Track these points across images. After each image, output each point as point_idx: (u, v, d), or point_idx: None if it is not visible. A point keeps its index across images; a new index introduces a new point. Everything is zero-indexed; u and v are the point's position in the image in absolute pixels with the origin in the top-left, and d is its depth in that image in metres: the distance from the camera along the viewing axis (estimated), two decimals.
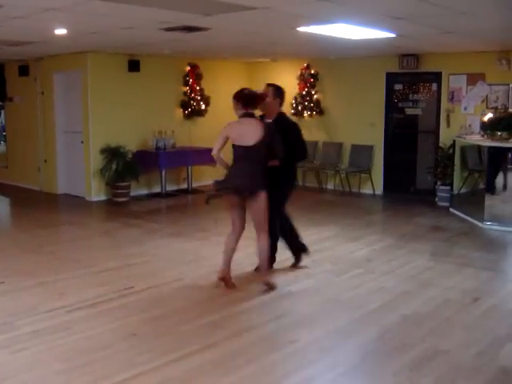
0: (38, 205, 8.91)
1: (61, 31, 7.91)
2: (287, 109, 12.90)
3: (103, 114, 11.30)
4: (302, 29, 7.69)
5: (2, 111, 14.59)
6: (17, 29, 7.63)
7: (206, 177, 12.90)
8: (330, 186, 12.56)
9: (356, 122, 12.22)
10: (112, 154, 11.07)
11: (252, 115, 6.05)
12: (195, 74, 12.84)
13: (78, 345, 4.67)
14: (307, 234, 8.28)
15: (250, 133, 5.88)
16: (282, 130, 6.05)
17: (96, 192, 11.33)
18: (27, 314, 5.32)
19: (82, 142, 11.32)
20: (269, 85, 6.62)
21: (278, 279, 6.31)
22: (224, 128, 6.21)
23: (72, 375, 4.15)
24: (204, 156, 12.13)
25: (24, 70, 12.48)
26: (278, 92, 6.52)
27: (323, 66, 12.51)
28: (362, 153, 12.03)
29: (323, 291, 6.04)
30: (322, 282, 6.34)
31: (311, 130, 12.74)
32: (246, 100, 6.14)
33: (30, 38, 8.69)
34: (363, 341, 4.78)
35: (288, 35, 8.40)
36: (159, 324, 5.14)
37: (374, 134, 11.99)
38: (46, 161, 12.20)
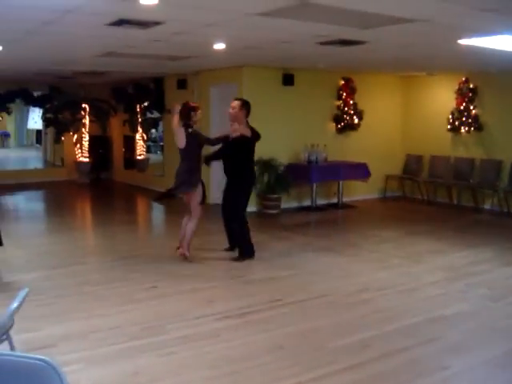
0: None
1: (219, 46, 8.13)
2: (443, 123, 12.51)
3: (257, 127, 11.39)
4: (463, 41, 7.38)
5: (161, 123, 15.25)
6: (177, 44, 7.93)
7: (358, 192, 12.80)
8: (487, 206, 11.92)
9: None
10: (264, 166, 11.20)
11: (184, 124, 7.44)
12: (349, 87, 12.76)
13: (225, 353, 4.72)
14: (462, 256, 7.97)
15: (180, 138, 7.45)
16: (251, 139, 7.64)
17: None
18: (177, 319, 5.47)
19: None
20: (236, 99, 7.94)
21: (428, 301, 6.07)
22: None
23: (219, 382, 4.19)
24: (356, 171, 12.07)
25: (182, 84, 13.00)
26: (245, 105, 7.70)
27: (483, 79, 11.93)
28: None
29: (478, 317, 5.70)
30: (477, 307, 5.99)
31: (468, 147, 12.25)
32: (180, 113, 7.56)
33: (189, 52, 9.03)
34: None
35: (447, 48, 8.09)
36: (306, 339, 5.08)
37: None
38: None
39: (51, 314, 5.60)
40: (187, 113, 7.48)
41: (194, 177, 7.48)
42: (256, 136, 7.78)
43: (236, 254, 7.89)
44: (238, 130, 7.55)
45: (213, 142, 7.96)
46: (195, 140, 7.46)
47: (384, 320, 5.52)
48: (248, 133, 7.60)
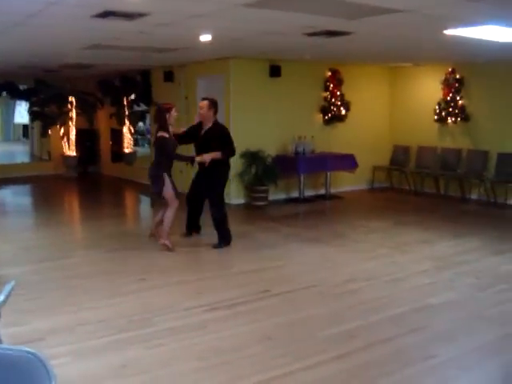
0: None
1: (206, 37, 8.11)
2: (430, 114, 12.54)
3: (244, 119, 11.49)
4: (449, 32, 7.39)
5: (148, 115, 15.22)
6: (163, 36, 7.90)
7: (345, 183, 12.84)
8: (473, 196, 11.97)
9: (504, 130, 11.57)
10: (252, 158, 11.21)
11: (160, 127, 7.72)
12: (336, 79, 12.77)
13: (213, 344, 4.72)
14: (449, 246, 8.01)
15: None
16: (218, 135, 7.90)
17: (235, 195, 11.53)
18: (165, 311, 5.47)
19: None
20: (204, 98, 8.14)
21: (415, 291, 6.10)
22: None
23: (207, 373, 4.20)
24: (343, 162, 12.11)
25: (169, 76, 12.96)
26: (213, 104, 7.95)
27: (469, 70, 11.97)
28: (509, 162, 11.37)
29: (465, 306, 5.74)
30: (464, 296, 6.02)
31: (455, 137, 12.30)
32: None
33: (175, 44, 8.99)
34: (507, 361, 4.49)
35: (434, 39, 8.11)
36: (294, 329, 5.09)
37: None
38: (187, 164, 12.52)
39: (39, 308, 5.59)
40: (162, 116, 7.66)
41: (160, 172, 7.67)
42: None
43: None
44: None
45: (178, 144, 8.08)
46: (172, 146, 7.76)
47: (371, 310, 5.54)
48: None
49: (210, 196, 8.07)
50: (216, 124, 8.02)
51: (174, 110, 7.76)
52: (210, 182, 7.98)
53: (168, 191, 7.65)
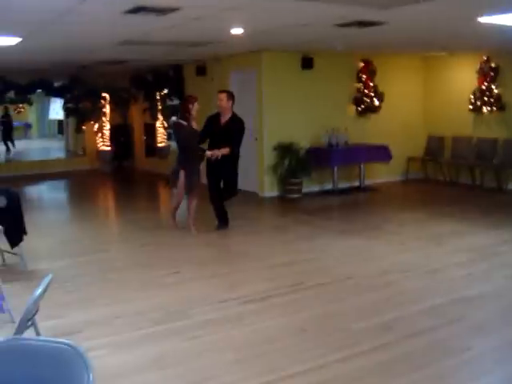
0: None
1: (237, 31, 8.10)
2: (465, 104, 12.37)
3: (277, 111, 11.48)
4: (483, 19, 7.27)
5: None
6: (195, 30, 7.92)
7: (379, 174, 12.74)
8: (510, 187, 11.78)
9: None
10: (285, 150, 11.19)
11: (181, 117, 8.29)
12: (368, 70, 12.66)
13: (248, 336, 4.75)
14: (485, 237, 7.91)
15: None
16: (237, 127, 8.28)
17: (269, 188, 11.53)
18: (200, 304, 5.50)
19: (256, 139, 11.56)
20: (222, 91, 8.60)
21: (451, 283, 6.05)
22: None
23: (243, 365, 4.22)
24: (377, 153, 12.03)
25: (201, 70, 13.00)
26: (231, 96, 8.43)
27: (505, 58, 11.74)
28: None
29: (502, 297, 5.66)
30: (500, 288, 5.94)
31: (490, 127, 12.10)
32: None
33: (207, 38, 9.01)
34: None
35: (468, 27, 7.99)
36: (329, 321, 5.09)
37: None
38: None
39: (76, 301, 5.67)
40: (185, 106, 8.24)
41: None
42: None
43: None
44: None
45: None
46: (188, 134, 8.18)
47: (407, 302, 5.51)
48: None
49: (231, 185, 8.45)
50: (235, 115, 8.39)
51: (196, 102, 8.16)
52: (227, 172, 8.36)
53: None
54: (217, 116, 8.41)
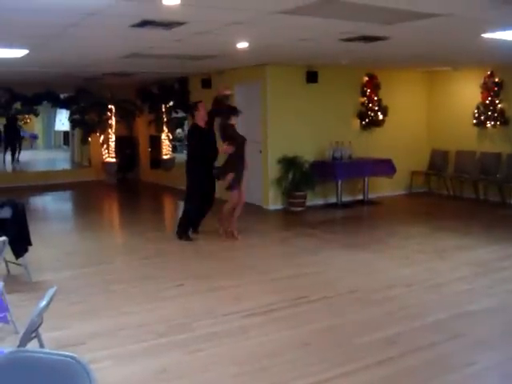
0: (216, 212, 9.28)
1: (243, 45, 8.16)
2: (469, 118, 12.38)
3: (281, 125, 11.52)
4: (487, 35, 7.31)
5: (186, 122, 15.34)
6: (200, 44, 7.98)
7: (383, 188, 12.75)
8: None
9: None
10: (289, 163, 11.22)
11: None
12: (373, 84, 12.71)
13: (252, 350, 4.75)
14: (488, 251, 7.91)
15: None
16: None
17: (273, 201, 11.55)
18: (203, 317, 5.51)
19: (261, 152, 11.59)
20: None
21: (454, 297, 6.05)
22: None
23: (246, 379, 4.22)
24: (381, 167, 12.03)
25: (207, 83, 13.05)
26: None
27: (509, 73, 11.77)
28: None
29: (505, 312, 5.66)
30: (503, 303, 5.94)
31: (494, 141, 12.12)
32: None
33: (212, 52, 9.06)
34: None
35: (472, 42, 8.03)
36: (332, 335, 5.09)
37: None
38: None
39: (80, 312, 5.69)
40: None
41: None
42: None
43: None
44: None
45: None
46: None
47: (410, 316, 5.50)
48: None
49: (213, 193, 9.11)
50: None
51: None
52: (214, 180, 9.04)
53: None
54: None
